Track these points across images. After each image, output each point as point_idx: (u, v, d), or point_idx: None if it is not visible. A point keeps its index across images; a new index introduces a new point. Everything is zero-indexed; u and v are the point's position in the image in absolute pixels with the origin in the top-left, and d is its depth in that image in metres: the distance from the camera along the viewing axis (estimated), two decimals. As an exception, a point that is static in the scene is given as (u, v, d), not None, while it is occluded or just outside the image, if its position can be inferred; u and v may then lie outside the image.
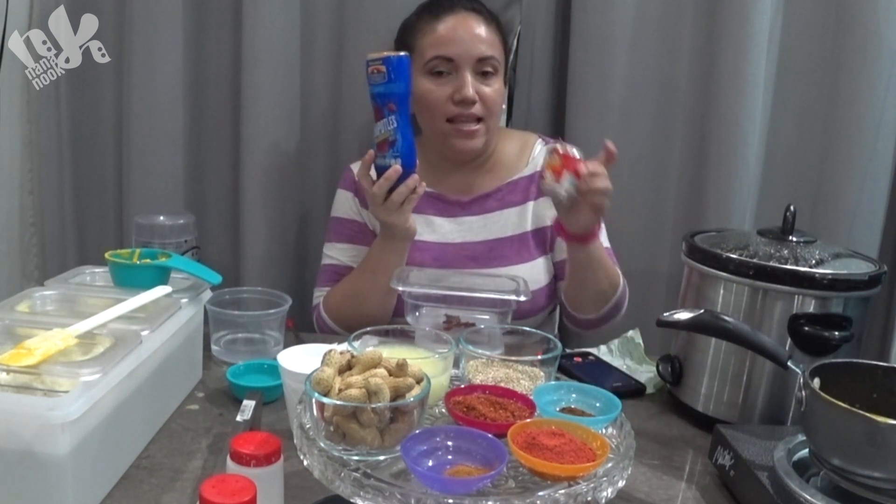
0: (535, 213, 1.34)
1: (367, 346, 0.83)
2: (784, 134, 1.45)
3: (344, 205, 1.39)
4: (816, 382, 0.79)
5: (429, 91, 1.28)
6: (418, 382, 0.70)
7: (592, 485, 0.64)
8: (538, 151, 1.37)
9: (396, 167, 1.16)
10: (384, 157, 1.17)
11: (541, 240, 1.35)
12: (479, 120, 1.27)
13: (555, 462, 0.64)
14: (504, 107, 1.37)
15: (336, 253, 1.37)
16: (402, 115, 1.17)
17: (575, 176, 1.11)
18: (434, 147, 1.34)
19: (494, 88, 1.28)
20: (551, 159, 1.13)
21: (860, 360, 0.84)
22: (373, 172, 1.20)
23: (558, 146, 1.13)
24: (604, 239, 1.34)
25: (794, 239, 1.01)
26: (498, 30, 1.31)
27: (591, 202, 1.12)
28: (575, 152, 1.12)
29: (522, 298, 1.06)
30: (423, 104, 1.29)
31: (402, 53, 1.16)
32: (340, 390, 0.67)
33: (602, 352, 1.24)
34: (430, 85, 1.28)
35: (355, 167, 1.40)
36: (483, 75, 1.27)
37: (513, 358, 0.84)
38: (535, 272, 1.32)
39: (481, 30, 1.27)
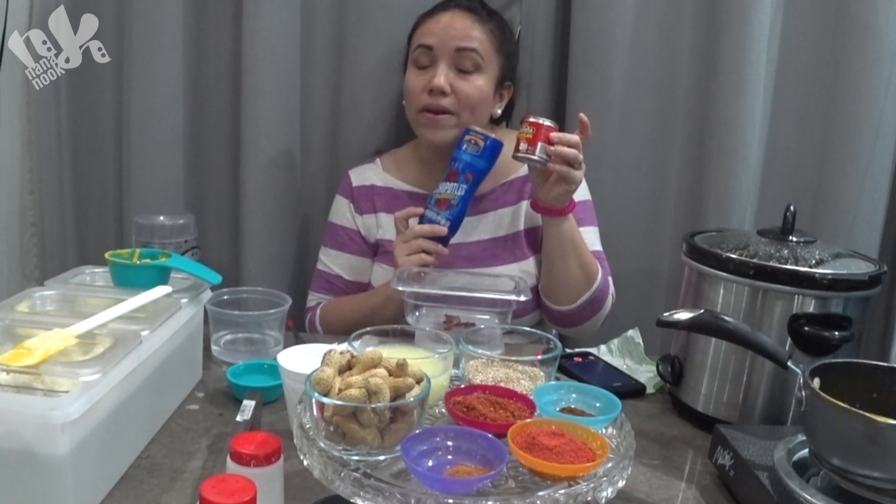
0: (528, 213, 1.35)
1: (367, 346, 0.83)
2: (784, 134, 1.45)
3: (340, 211, 1.41)
4: (816, 382, 0.79)
5: (409, 80, 1.31)
6: (418, 382, 0.70)
7: (592, 485, 0.64)
8: None
9: (443, 228, 1.21)
10: (437, 213, 1.23)
11: (533, 239, 1.35)
12: (450, 113, 1.28)
13: (555, 462, 0.64)
14: (500, 110, 1.37)
15: (328, 259, 1.41)
16: (472, 189, 1.23)
17: (547, 144, 1.15)
18: (423, 142, 1.35)
19: (474, 85, 1.28)
20: (525, 130, 1.16)
21: (860, 360, 0.84)
22: (412, 220, 1.25)
23: (531, 117, 1.16)
24: (595, 242, 1.34)
25: (794, 239, 1.01)
26: (494, 32, 1.31)
27: (559, 171, 1.14)
28: (548, 122, 1.15)
29: (522, 298, 1.06)
30: (405, 93, 1.33)
31: (500, 140, 1.23)
32: (340, 390, 0.67)
33: (602, 352, 1.24)
34: (412, 74, 1.31)
35: (354, 173, 1.42)
36: (464, 70, 1.28)
37: (513, 358, 0.84)
38: (527, 271, 1.33)
39: (468, 25, 1.28)
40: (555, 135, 1.15)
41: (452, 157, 1.24)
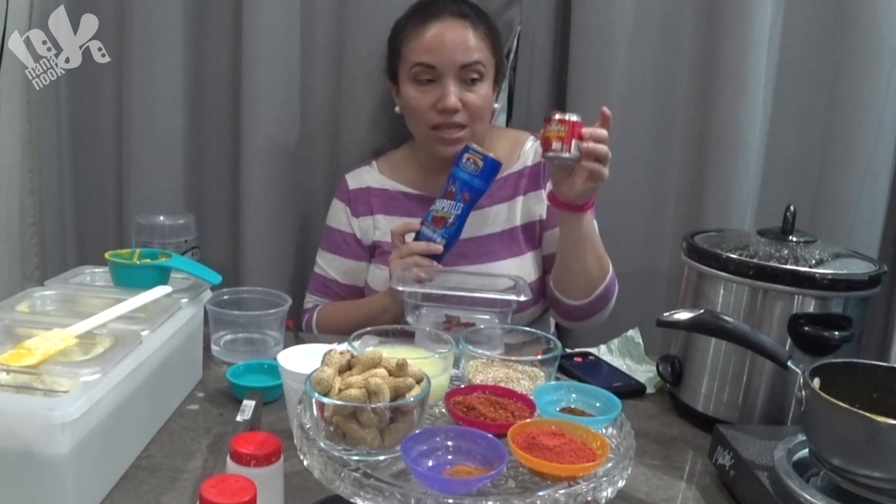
0: (524, 208, 1.35)
1: (367, 346, 0.83)
2: (784, 134, 1.45)
3: (336, 214, 1.42)
4: (816, 382, 0.79)
5: (413, 98, 1.29)
6: (418, 382, 0.70)
7: (592, 485, 0.64)
8: (528, 147, 1.37)
9: (438, 247, 1.22)
10: (434, 231, 1.23)
11: (530, 234, 1.35)
12: (463, 127, 1.27)
13: (555, 462, 0.64)
14: (497, 105, 1.36)
15: (324, 263, 1.42)
16: (469, 208, 1.23)
17: (579, 140, 1.11)
18: (424, 148, 1.34)
19: (480, 94, 1.27)
20: (557, 129, 1.11)
21: (860, 360, 0.84)
22: (409, 236, 1.25)
23: (557, 114, 1.12)
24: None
25: (794, 239, 1.01)
26: (487, 34, 1.29)
27: (591, 168, 1.11)
28: (576, 118, 1.12)
29: (522, 298, 1.06)
30: (409, 110, 1.31)
31: (499, 160, 1.23)
32: (340, 390, 0.67)
33: (602, 352, 1.24)
34: (415, 92, 1.28)
35: (350, 177, 1.42)
36: (469, 81, 1.27)
37: (513, 358, 0.84)
38: (525, 267, 1.32)
39: (466, 36, 1.26)
40: (586, 130, 1.11)
41: (451, 175, 1.23)
